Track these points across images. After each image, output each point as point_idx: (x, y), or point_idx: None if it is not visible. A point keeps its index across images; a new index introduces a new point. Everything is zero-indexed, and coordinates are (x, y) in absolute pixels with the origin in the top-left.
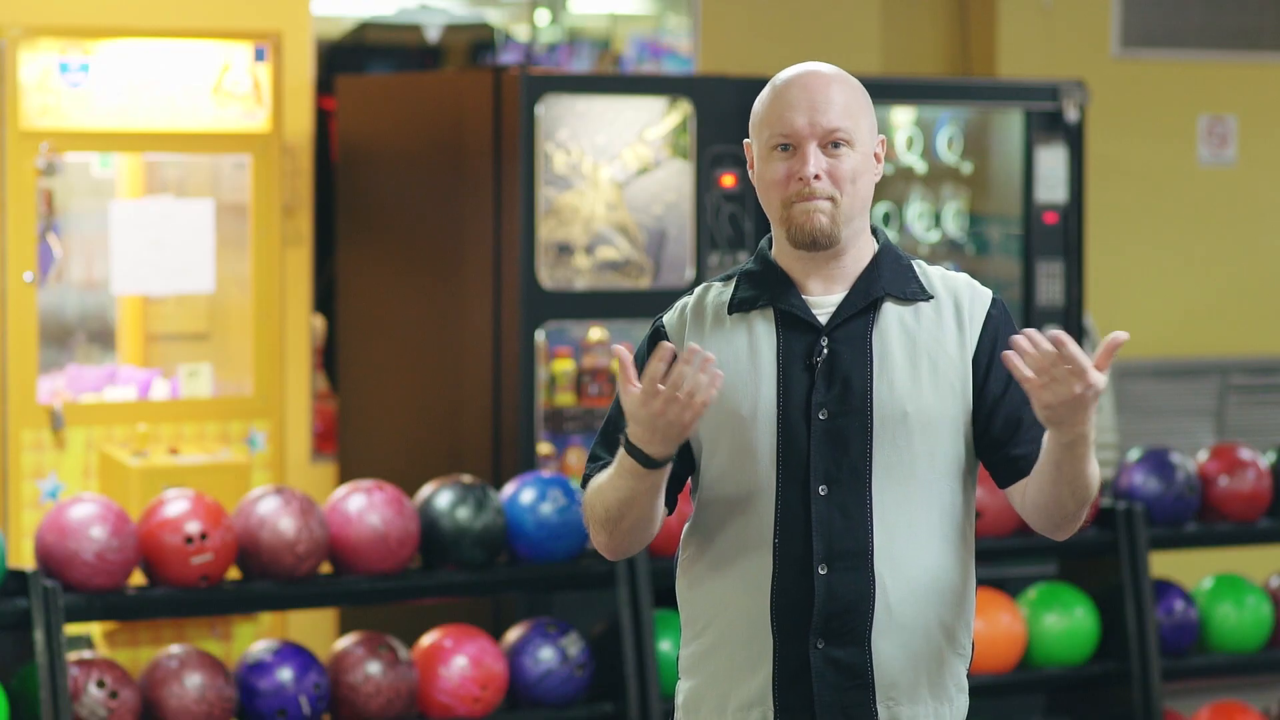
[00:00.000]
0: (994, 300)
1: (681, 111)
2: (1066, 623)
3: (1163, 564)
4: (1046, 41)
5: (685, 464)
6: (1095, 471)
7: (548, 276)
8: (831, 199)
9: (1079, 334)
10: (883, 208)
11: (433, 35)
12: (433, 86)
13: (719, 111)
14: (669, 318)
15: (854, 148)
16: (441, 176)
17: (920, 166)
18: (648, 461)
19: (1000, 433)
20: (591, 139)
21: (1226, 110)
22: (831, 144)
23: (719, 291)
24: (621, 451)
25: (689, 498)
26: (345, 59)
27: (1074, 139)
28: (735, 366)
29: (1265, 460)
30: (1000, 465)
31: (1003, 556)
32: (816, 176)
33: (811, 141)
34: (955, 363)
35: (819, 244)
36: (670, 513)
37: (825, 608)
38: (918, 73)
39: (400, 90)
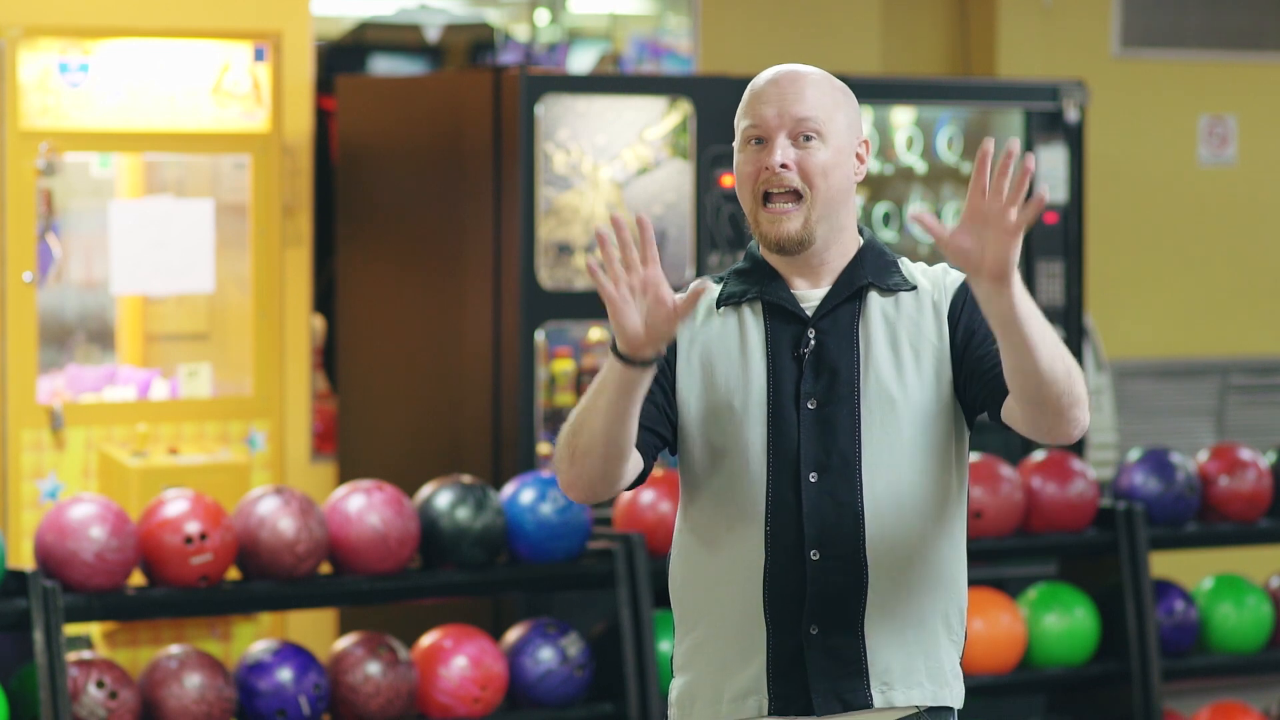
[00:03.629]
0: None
1: (681, 111)
2: (1066, 623)
3: (1163, 564)
4: (1046, 41)
5: (665, 427)
6: (1055, 351)
7: (548, 276)
8: (798, 192)
9: (1079, 334)
10: (883, 208)
11: (432, 35)
12: (432, 86)
13: (719, 111)
14: None
15: (825, 141)
16: (441, 176)
17: (920, 166)
18: (633, 361)
19: (974, 364)
20: (591, 139)
21: (1227, 110)
22: (802, 136)
23: (710, 288)
24: (610, 360)
25: (679, 493)
26: (345, 59)
27: (1074, 139)
28: (727, 359)
29: (1265, 460)
30: (983, 392)
31: (1003, 556)
32: (784, 165)
33: (780, 132)
34: (935, 348)
35: (786, 250)
36: (644, 473)
37: (818, 594)
38: (918, 73)
39: (400, 90)
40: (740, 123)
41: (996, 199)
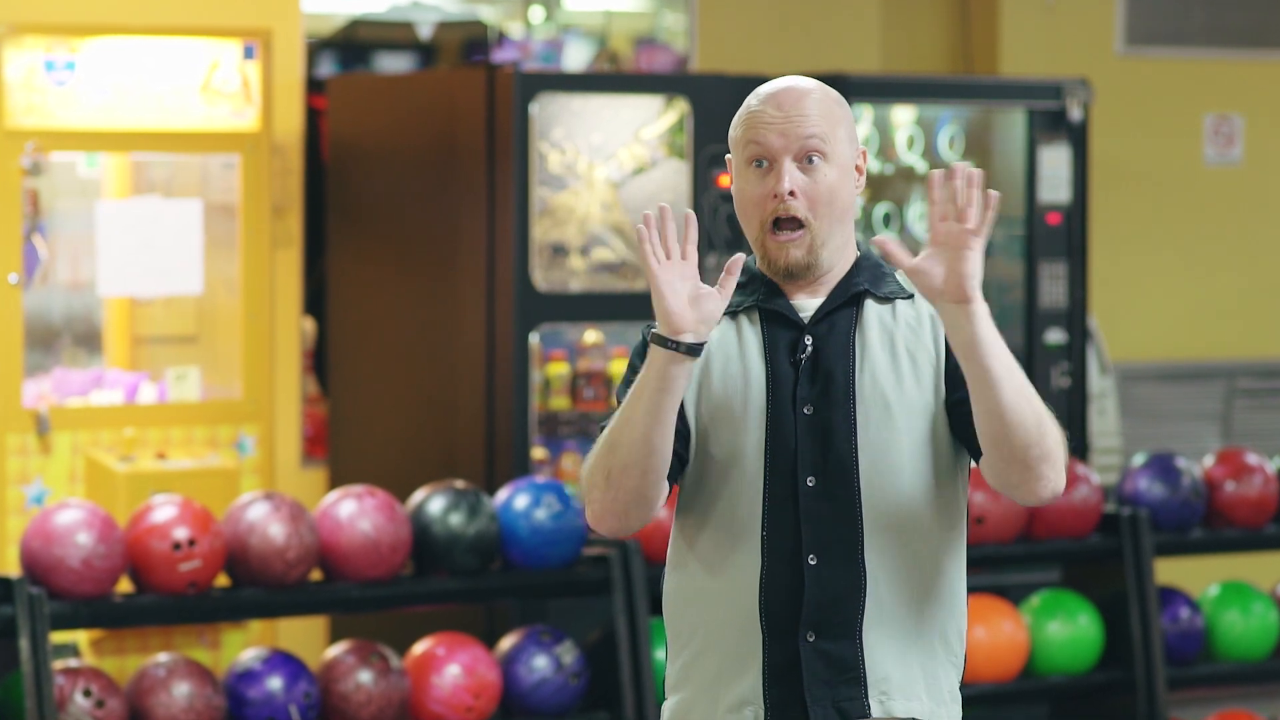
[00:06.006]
0: None
1: (678, 110)
2: (1070, 631)
3: (1167, 571)
4: (1049, 39)
5: (683, 444)
6: (1022, 393)
7: (542, 278)
8: (806, 222)
9: (1083, 336)
10: (883, 208)
11: (425, 32)
12: (425, 85)
13: (716, 110)
14: None
15: (830, 161)
16: (434, 176)
17: (921, 166)
18: (679, 346)
19: (958, 405)
20: (587, 138)
21: (1232, 109)
22: (806, 158)
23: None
24: (651, 351)
25: (676, 501)
26: (336, 56)
27: (1077, 138)
28: (726, 367)
29: (1272, 465)
30: (965, 431)
31: (1005, 563)
32: (792, 193)
33: (786, 157)
34: (932, 356)
35: (794, 275)
36: (673, 483)
37: (815, 599)
38: (919, 71)
39: (392, 88)
40: (739, 143)
41: (947, 217)
